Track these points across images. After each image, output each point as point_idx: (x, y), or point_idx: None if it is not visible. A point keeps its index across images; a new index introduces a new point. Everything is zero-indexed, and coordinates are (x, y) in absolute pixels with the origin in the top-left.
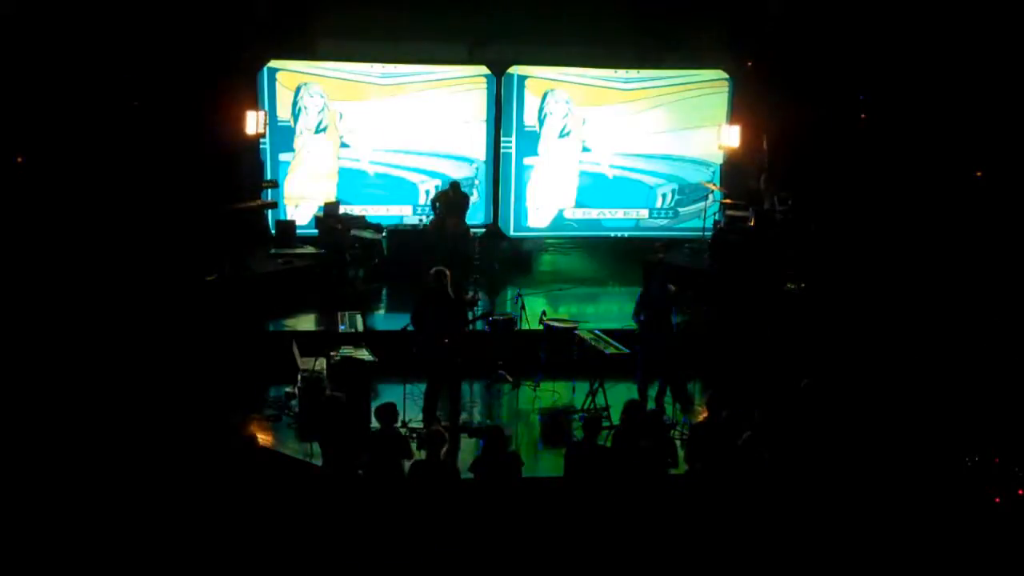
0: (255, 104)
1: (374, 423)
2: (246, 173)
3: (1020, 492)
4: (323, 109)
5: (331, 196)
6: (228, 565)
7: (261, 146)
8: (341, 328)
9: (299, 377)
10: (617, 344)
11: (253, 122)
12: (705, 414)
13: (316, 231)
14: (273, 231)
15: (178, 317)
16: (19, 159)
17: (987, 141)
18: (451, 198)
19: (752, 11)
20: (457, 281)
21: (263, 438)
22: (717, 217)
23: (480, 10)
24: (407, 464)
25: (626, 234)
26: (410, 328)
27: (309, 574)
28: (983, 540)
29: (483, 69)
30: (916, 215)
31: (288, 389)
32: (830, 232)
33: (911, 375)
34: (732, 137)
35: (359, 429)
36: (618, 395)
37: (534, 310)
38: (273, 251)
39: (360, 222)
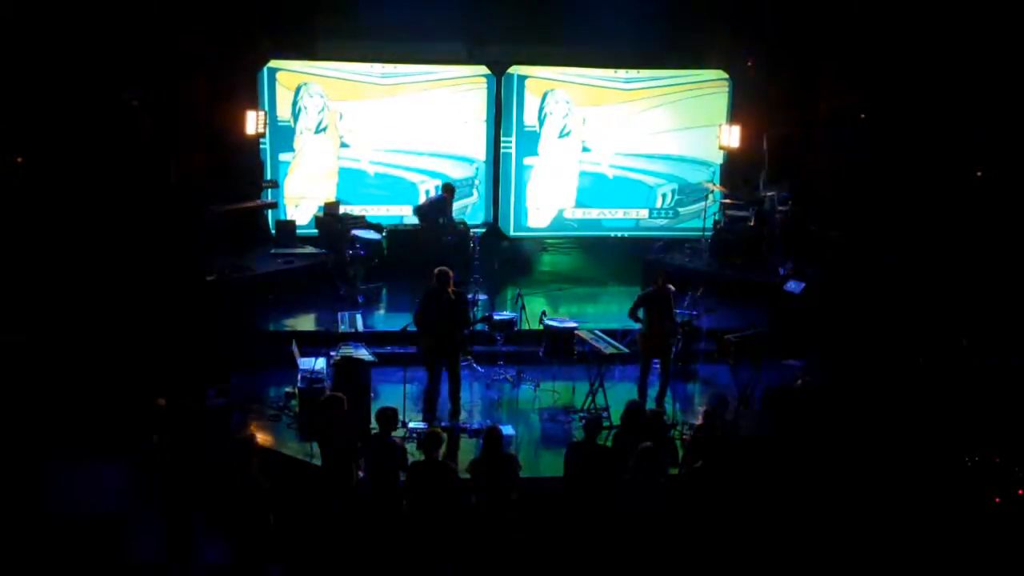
0: (255, 104)
1: (375, 425)
2: (246, 173)
3: (1020, 492)
4: (323, 109)
5: (331, 196)
6: (231, 564)
7: (261, 146)
8: (341, 328)
9: (299, 377)
10: (617, 344)
11: (253, 122)
12: (703, 419)
13: (316, 231)
14: (273, 231)
15: (178, 317)
16: (18, 159)
17: (987, 139)
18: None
19: (752, 11)
20: (458, 281)
21: (263, 438)
22: (717, 217)
23: (480, 10)
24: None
25: (626, 234)
26: (411, 328)
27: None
28: (983, 540)
29: (483, 69)
30: (916, 213)
31: (288, 389)
32: (830, 232)
33: (911, 374)
34: (732, 137)
35: (359, 430)
36: (618, 395)
37: (534, 310)
38: (273, 251)
39: (360, 222)
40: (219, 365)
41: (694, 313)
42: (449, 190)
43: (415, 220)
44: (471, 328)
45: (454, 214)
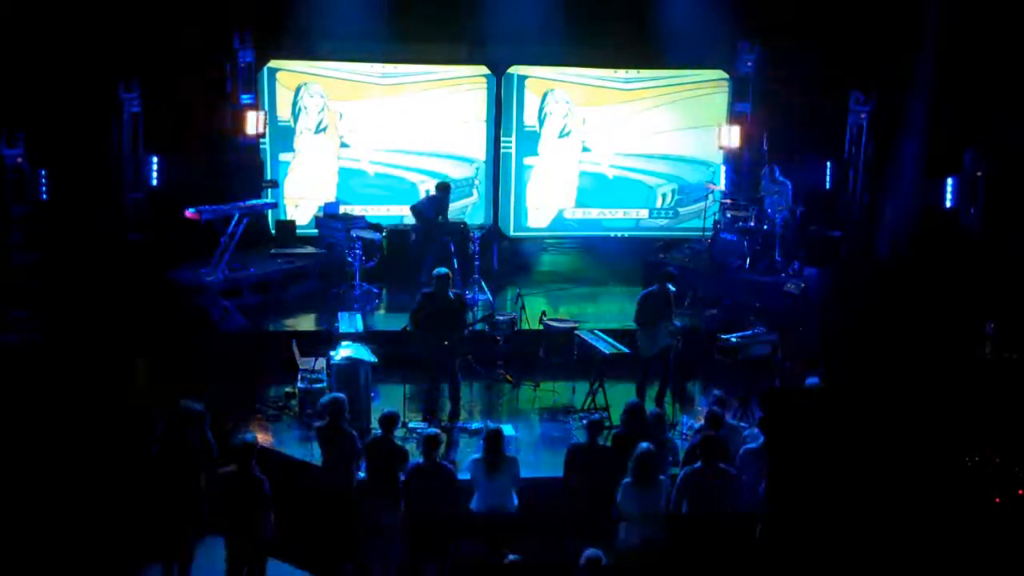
0: (255, 104)
1: (375, 426)
2: (246, 173)
3: (1020, 492)
4: (323, 109)
5: (331, 196)
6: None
7: (261, 146)
8: (341, 328)
9: (299, 377)
10: (617, 344)
11: (253, 122)
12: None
13: (316, 231)
14: (273, 231)
15: (177, 318)
16: (18, 159)
17: (987, 139)
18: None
19: (752, 11)
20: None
21: (263, 438)
22: (717, 217)
23: (480, 10)
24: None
25: (626, 234)
26: (409, 328)
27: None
28: (983, 540)
29: (483, 69)
30: (915, 214)
31: (288, 389)
32: (830, 232)
33: (911, 374)
34: (732, 137)
35: (359, 430)
36: (618, 395)
37: (534, 310)
38: (273, 251)
39: (360, 222)
40: (218, 366)
41: (694, 313)
42: (443, 188)
43: (413, 221)
44: (470, 328)
45: (451, 214)
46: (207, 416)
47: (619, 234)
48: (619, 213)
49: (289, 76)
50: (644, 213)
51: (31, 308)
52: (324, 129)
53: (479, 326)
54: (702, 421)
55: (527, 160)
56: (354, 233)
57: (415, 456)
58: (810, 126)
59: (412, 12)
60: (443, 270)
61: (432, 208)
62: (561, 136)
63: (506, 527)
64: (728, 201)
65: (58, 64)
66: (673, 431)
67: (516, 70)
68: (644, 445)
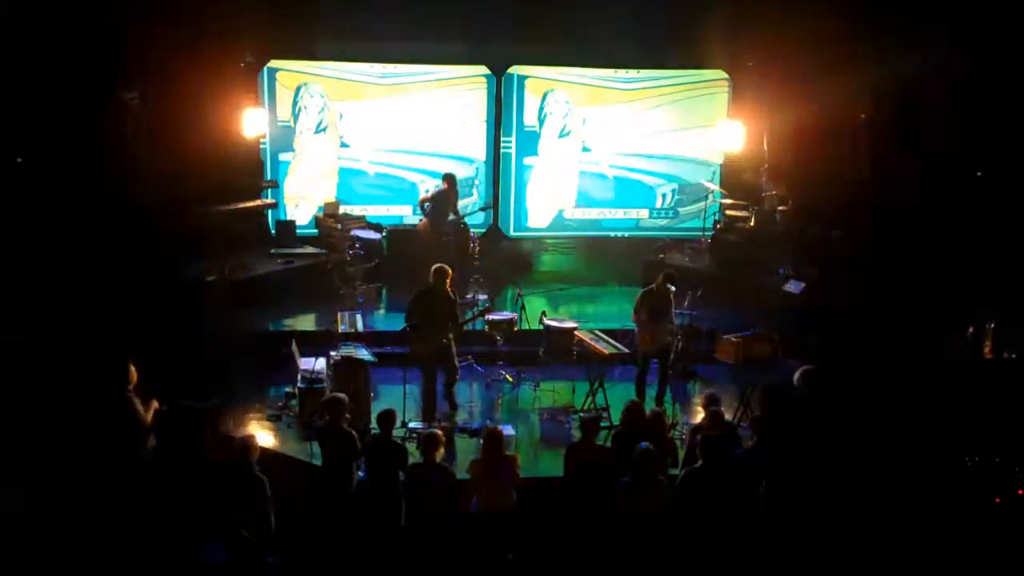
0: (255, 104)
1: (375, 425)
2: (246, 173)
3: (1020, 492)
4: (323, 109)
5: (331, 196)
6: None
7: (261, 146)
8: (341, 328)
9: (299, 377)
10: (617, 344)
11: (253, 122)
12: (702, 416)
13: (316, 231)
14: (273, 231)
15: (177, 318)
16: (18, 159)
17: (988, 139)
18: (445, 193)
19: (752, 10)
20: (456, 281)
21: (263, 438)
22: (717, 217)
23: (480, 10)
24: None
25: (626, 234)
26: (406, 326)
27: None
28: (983, 540)
29: (483, 69)
30: (916, 214)
31: (288, 389)
32: (830, 232)
33: (912, 374)
34: (732, 137)
35: (359, 430)
36: (618, 395)
37: (534, 310)
38: (273, 251)
39: (360, 222)
40: (218, 366)
41: (694, 313)
42: (449, 180)
43: (415, 220)
44: (469, 324)
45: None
46: (206, 417)
47: (619, 234)
48: (619, 213)
49: (289, 76)
50: (644, 213)
51: (19, 307)
52: (324, 129)
53: (478, 323)
54: (697, 420)
55: (527, 160)
56: (354, 233)
57: (415, 456)
58: (810, 125)
59: (412, 12)
60: (443, 266)
61: (440, 202)
62: (561, 136)
63: (506, 527)
64: (728, 201)
65: (58, 63)
66: (673, 431)
67: (516, 70)
68: (644, 445)
